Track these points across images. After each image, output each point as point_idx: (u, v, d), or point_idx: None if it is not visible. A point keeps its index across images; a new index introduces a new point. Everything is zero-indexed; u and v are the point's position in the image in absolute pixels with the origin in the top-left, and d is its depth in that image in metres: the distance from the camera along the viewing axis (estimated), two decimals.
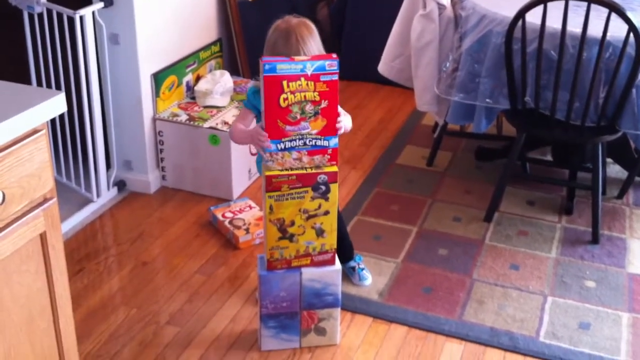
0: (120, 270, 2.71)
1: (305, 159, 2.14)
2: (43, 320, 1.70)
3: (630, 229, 3.01)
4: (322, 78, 2.06)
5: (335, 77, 2.07)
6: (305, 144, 2.12)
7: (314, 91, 2.07)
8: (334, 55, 2.07)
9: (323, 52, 2.23)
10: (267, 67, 2.02)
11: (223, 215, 2.94)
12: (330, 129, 2.12)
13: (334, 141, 2.15)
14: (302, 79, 2.05)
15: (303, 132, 2.11)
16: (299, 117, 2.09)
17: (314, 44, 2.21)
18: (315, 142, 2.13)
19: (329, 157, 2.16)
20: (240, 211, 2.99)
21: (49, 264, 1.67)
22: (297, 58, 2.05)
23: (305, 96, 2.07)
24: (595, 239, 2.91)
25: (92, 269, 2.71)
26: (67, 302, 1.77)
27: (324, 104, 2.09)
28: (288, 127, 2.09)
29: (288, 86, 2.04)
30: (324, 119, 2.10)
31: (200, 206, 3.12)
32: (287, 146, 2.11)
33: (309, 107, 2.08)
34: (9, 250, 1.54)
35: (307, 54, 2.17)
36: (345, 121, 2.22)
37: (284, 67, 2.03)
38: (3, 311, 1.57)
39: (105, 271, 2.70)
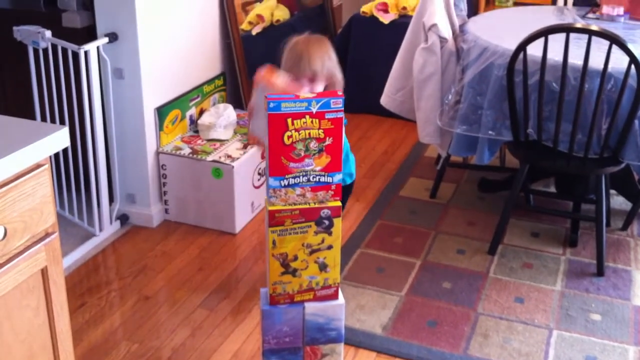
0: (122, 304, 2.70)
1: (309, 194, 2.14)
2: (44, 356, 1.69)
3: (636, 260, 2.99)
4: (327, 115, 2.06)
5: (341, 115, 2.07)
6: (309, 180, 2.12)
7: (319, 128, 2.06)
8: (340, 92, 2.08)
9: (333, 71, 2.53)
10: (271, 104, 2.02)
11: None
12: (334, 165, 2.12)
13: (338, 177, 2.14)
14: (307, 116, 2.04)
15: (307, 168, 2.10)
16: (303, 154, 2.08)
17: (321, 62, 2.50)
18: (319, 179, 2.12)
19: (332, 192, 2.15)
20: None
21: (50, 299, 1.66)
22: (302, 95, 2.05)
23: (309, 133, 2.07)
24: (600, 271, 2.89)
25: (94, 303, 2.70)
26: (68, 338, 1.75)
27: (328, 141, 2.09)
28: (292, 164, 2.09)
29: (292, 124, 2.04)
30: (328, 155, 2.10)
31: (202, 239, 3.12)
32: (290, 183, 2.11)
33: (313, 144, 2.08)
34: (10, 285, 1.54)
35: (316, 71, 2.44)
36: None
37: (288, 104, 2.03)
38: (4, 347, 1.56)
39: (107, 305, 2.69)
